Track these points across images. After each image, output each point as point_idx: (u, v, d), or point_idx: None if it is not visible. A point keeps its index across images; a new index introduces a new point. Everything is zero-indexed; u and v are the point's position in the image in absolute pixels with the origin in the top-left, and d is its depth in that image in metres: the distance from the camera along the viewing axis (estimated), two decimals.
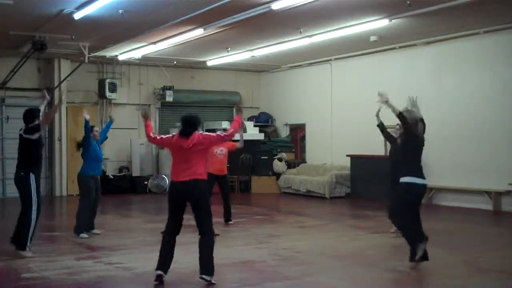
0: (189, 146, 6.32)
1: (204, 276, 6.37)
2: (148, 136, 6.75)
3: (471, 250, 8.39)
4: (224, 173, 10.50)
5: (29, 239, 7.80)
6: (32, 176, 7.82)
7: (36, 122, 7.76)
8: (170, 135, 6.64)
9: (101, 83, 16.57)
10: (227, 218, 10.68)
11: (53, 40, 13.00)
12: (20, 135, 7.85)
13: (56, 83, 16.05)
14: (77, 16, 10.68)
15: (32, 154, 7.89)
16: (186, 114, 6.59)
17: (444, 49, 13.59)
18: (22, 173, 7.93)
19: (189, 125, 6.40)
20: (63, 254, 7.94)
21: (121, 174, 17.08)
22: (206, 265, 6.44)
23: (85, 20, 11.00)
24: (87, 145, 9.30)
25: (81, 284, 6.42)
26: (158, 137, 6.69)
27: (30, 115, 7.88)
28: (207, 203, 6.55)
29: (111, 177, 16.51)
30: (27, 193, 7.80)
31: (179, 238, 9.27)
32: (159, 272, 6.36)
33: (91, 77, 16.80)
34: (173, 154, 6.53)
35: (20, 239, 7.84)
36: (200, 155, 6.42)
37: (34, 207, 7.78)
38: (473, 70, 13.09)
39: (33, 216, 7.78)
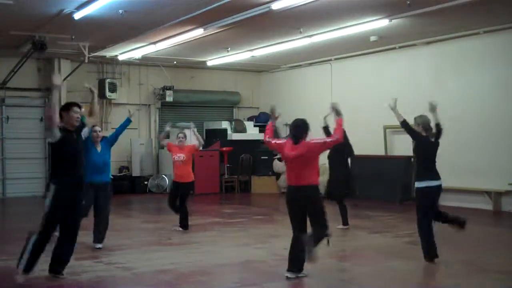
0: (294, 157, 6.51)
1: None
2: (265, 139, 6.93)
3: (471, 250, 8.39)
4: (186, 180, 9.83)
5: (20, 261, 6.36)
6: (53, 188, 6.32)
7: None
8: (282, 141, 6.79)
9: (101, 83, 16.56)
10: (182, 225, 10.02)
11: (53, 40, 12.99)
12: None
13: None
14: (77, 16, 10.68)
15: (53, 161, 6.56)
16: (297, 119, 6.85)
17: (444, 49, 13.59)
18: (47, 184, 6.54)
19: (300, 132, 6.67)
20: None
21: (121, 174, 17.08)
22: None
23: (85, 20, 10.99)
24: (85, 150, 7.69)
25: (81, 284, 6.42)
26: (273, 141, 6.87)
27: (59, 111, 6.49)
28: (321, 208, 6.53)
29: (111, 177, 16.48)
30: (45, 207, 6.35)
31: (178, 239, 9.32)
32: (291, 274, 6.52)
33: (91, 77, 16.77)
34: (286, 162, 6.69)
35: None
36: (309, 162, 6.58)
37: (40, 229, 6.33)
38: (473, 70, 13.08)
39: (32, 239, 6.34)
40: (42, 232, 6.30)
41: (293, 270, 6.51)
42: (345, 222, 10.08)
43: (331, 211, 11.58)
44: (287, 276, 6.50)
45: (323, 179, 11.82)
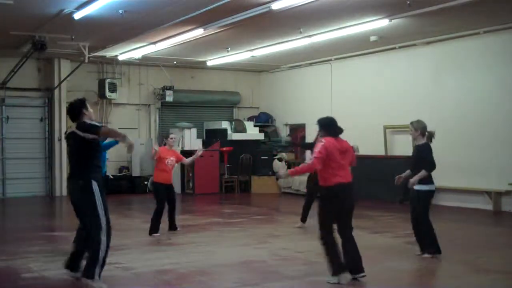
0: (350, 148, 6.50)
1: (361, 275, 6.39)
2: (313, 168, 6.40)
3: (471, 250, 8.39)
4: (172, 182, 9.93)
5: (98, 266, 6.05)
6: (95, 184, 6.13)
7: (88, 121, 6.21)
8: (321, 144, 6.33)
9: (101, 83, 16.57)
10: (174, 226, 9.94)
11: (53, 40, 12.99)
12: (73, 133, 6.16)
13: (56, 83, 16.07)
14: (77, 16, 10.68)
15: (90, 157, 6.20)
16: (327, 117, 6.67)
17: (444, 49, 13.59)
18: (81, 183, 6.13)
19: (338, 126, 6.54)
20: (63, 254, 7.90)
21: (121, 174, 17.08)
22: (359, 262, 6.41)
23: (85, 20, 10.99)
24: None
25: (81, 284, 6.41)
26: (320, 155, 6.26)
27: (76, 107, 6.25)
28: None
29: (111, 177, 16.52)
30: (90, 207, 6.10)
31: (177, 239, 9.32)
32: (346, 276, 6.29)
33: (91, 77, 16.80)
34: (332, 159, 6.33)
35: (86, 267, 6.08)
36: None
37: (100, 229, 6.10)
38: (473, 70, 13.09)
39: (102, 241, 6.09)
40: (106, 230, 6.11)
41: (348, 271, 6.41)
42: None
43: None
44: (339, 282, 6.29)
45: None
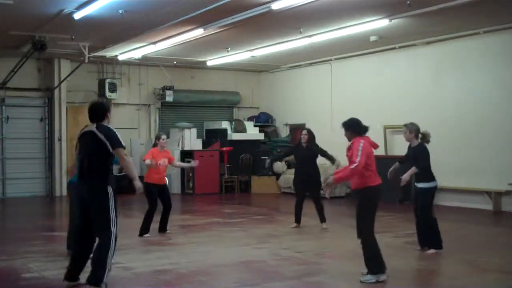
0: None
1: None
2: (356, 172, 6.31)
3: (471, 250, 8.39)
4: (165, 182, 9.90)
5: (107, 271, 5.93)
6: (110, 189, 6.11)
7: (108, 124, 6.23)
8: (361, 145, 6.45)
9: (101, 83, 16.56)
10: (164, 229, 9.85)
11: (53, 40, 13.00)
12: (92, 133, 6.08)
13: (56, 83, 16.06)
14: (77, 16, 10.69)
15: (106, 160, 6.19)
16: (352, 118, 6.88)
17: (444, 49, 13.59)
18: (95, 184, 6.11)
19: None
20: (63, 254, 7.91)
21: (121, 174, 17.04)
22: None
23: (85, 20, 11.00)
24: None
25: (81, 284, 6.41)
26: (362, 157, 6.32)
27: (101, 109, 6.21)
28: None
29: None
30: (103, 210, 5.98)
31: (177, 239, 9.32)
32: (385, 276, 6.33)
33: (91, 77, 16.80)
34: (371, 158, 6.48)
35: (93, 273, 5.88)
36: None
37: (111, 231, 5.98)
38: (473, 70, 13.08)
39: (112, 246, 5.99)
40: (115, 233, 6.02)
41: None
42: (323, 219, 10.35)
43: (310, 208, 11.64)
44: (383, 281, 6.32)
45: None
